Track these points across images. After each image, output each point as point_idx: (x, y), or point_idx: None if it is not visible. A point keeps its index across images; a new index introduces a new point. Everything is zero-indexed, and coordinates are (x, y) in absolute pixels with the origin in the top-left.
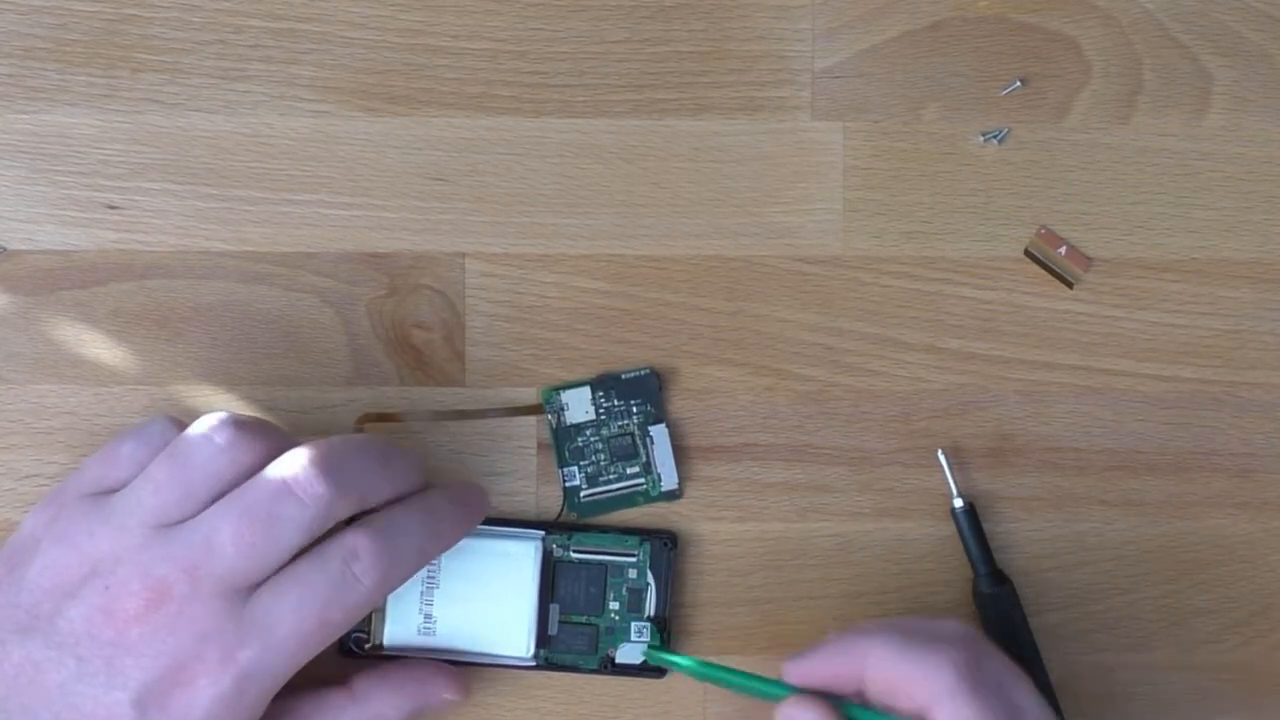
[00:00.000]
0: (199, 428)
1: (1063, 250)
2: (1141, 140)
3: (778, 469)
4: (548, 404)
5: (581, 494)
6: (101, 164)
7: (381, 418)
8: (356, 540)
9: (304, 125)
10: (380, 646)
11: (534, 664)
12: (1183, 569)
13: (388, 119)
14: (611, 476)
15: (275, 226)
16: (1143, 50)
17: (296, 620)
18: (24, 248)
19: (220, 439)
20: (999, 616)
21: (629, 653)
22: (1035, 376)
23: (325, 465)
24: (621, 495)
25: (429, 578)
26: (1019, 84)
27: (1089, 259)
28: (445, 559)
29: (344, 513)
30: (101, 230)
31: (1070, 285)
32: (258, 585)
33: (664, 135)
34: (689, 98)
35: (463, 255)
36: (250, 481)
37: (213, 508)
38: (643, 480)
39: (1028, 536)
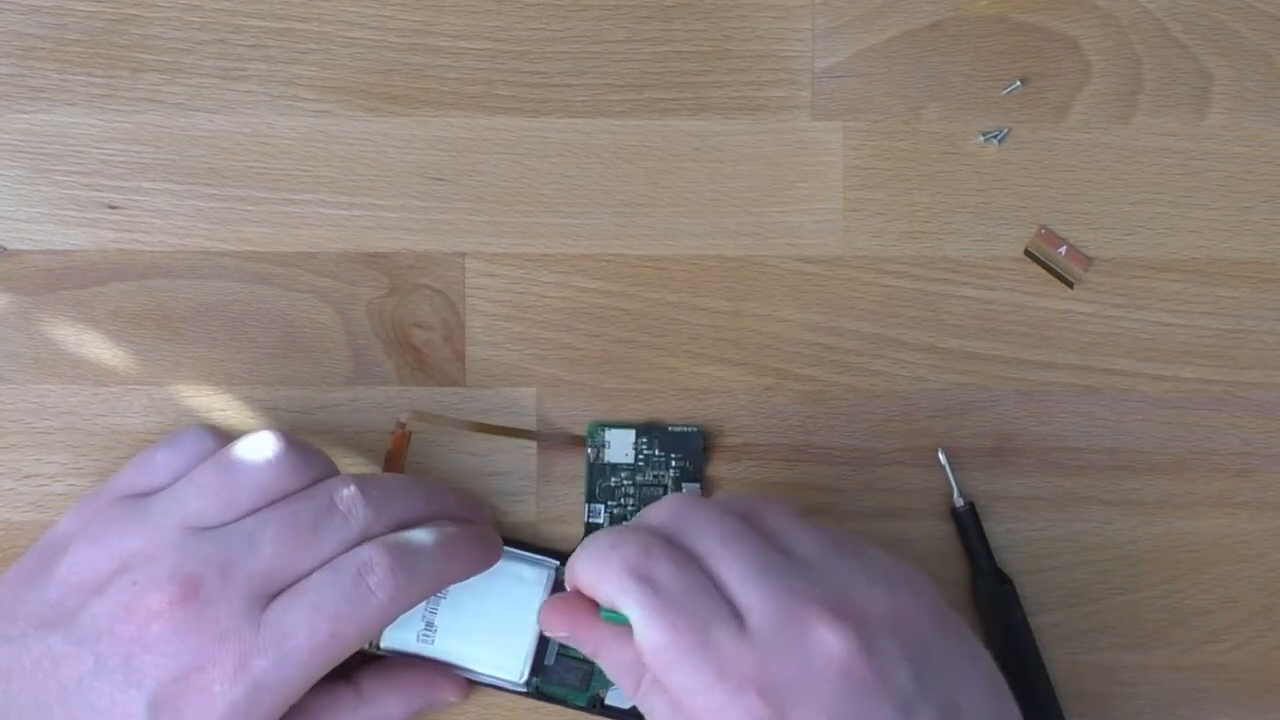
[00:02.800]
0: (251, 441)
1: (1063, 250)
2: (1141, 140)
3: (778, 469)
4: (591, 439)
5: None
6: (101, 164)
7: (424, 419)
8: (371, 553)
9: (304, 125)
10: (377, 648)
11: (524, 690)
12: (1183, 569)
13: (388, 119)
14: None
15: (275, 226)
16: (1143, 50)
17: (308, 630)
18: (24, 248)
19: (271, 454)
20: (999, 616)
21: (619, 696)
22: (1035, 376)
23: (373, 493)
24: None
25: None
26: (1019, 84)
27: (1089, 259)
28: None
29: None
30: (101, 230)
31: (1070, 285)
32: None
33: (664, 135)
34: (689, 98)
35: (463, 255)
36: (298, 494)
37: (256, 514)
38: None
39: (1028, 536)
